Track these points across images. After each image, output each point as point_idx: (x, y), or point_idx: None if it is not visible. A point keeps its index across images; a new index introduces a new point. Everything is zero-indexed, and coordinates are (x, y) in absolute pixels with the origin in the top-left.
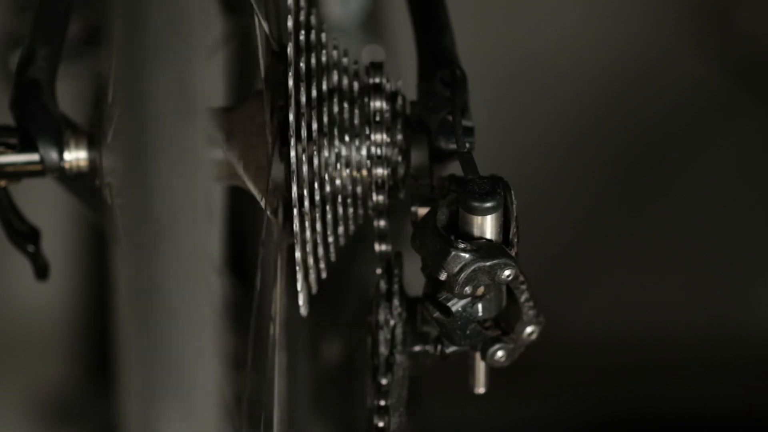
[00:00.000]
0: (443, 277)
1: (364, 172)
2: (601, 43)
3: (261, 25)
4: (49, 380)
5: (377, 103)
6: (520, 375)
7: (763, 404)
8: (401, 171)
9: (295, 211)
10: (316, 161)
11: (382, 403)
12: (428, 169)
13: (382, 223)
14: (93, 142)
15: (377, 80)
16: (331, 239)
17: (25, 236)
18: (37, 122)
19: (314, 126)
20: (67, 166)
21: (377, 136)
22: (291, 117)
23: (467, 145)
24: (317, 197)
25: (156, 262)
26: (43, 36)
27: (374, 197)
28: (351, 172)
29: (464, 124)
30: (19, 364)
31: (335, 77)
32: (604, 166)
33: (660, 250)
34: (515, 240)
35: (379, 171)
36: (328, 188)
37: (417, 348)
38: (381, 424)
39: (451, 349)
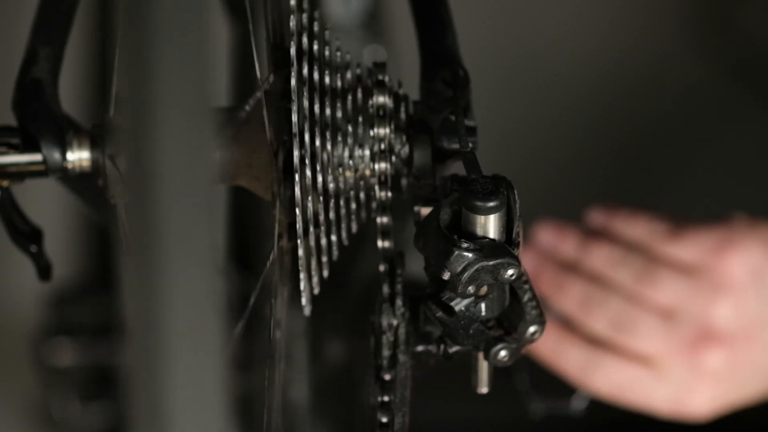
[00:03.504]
0: (446, 276)
1: (367, 172)
2: (601, 44)
3: (261, 29)
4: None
5: (380, 101)
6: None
7: (762, 405)
8: (404, 169)
9: (299, 211)
10: (319, 161)
11: (386, 399)
12: (431, 168)
13: (386, 219)
14: (96, 142)
15: (380, 80)
16: (334, 239)
17: (28, 236)
18: (39, 122)
19: (317, 127)
20: (69, 166)
21: (380, 134)
22: (294, 118)
23: (470, 144)
24: (321, 197)
25: (160, 263)
26: (44, 36)
27: (377, 195)
28: (354, 171)
29: (467, 123)
30: (19, 364)
31: (337, 77)
32: (606, 166)
33: None
34: (518, 239)
35: (382, 169)
36: (331, 188)
37: (420, 348)
38: (384, 419)
39: (454, 348)
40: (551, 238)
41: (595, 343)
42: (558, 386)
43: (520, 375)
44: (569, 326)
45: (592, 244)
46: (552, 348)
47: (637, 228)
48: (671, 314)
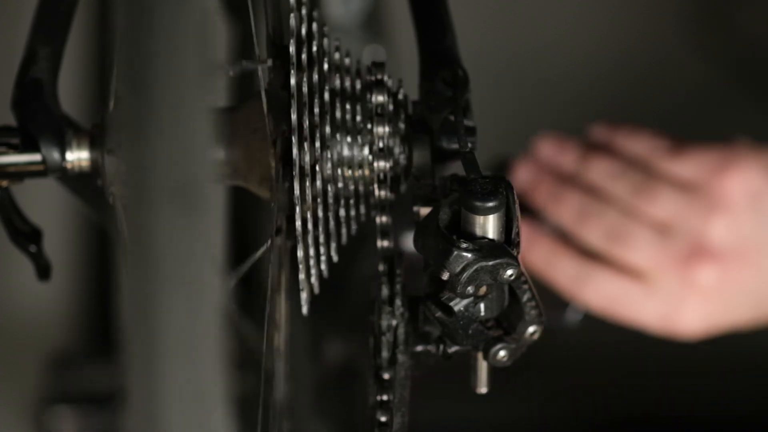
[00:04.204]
0: (445, 276)
1: (367, 172)
2: (601, 44)
3: (262, 26)
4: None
5: (379, 98)
6: (521, 375)
7: (756, 407)
8: (403, 165)
9: (298, 210)
10: (318, 161)
11: (385, 399)
12: (430, 168)
13: (385, 219)
14: (95, 142)
15: (379, 77)
16: (333, 239)
17: (27, 236)
18: (39, 122)
19: (317, 127)
20: (69, 166)
21: (379, 130)
22: (293, 118)
23: (469, 144)
24: (320, 197)
25: (158, 263)
26: (44, 36)
27: (377, 194)
28: (353, 171)
29: (466, 123)
30: (19, 364)
31: (337, 78)
32: None
33: None
34: (517, 240)
35: (381, 165)
36: (330, 188)
37: (419, 348)
38: (383, 419)
39: (453, 348)
40: (551, 150)
41: (589, 256)
42: (552, 301)
43: None
44: (564, 239)
45: (592, 157)
46: (545, 259)
47: (638, 143)
48: (666, 229)
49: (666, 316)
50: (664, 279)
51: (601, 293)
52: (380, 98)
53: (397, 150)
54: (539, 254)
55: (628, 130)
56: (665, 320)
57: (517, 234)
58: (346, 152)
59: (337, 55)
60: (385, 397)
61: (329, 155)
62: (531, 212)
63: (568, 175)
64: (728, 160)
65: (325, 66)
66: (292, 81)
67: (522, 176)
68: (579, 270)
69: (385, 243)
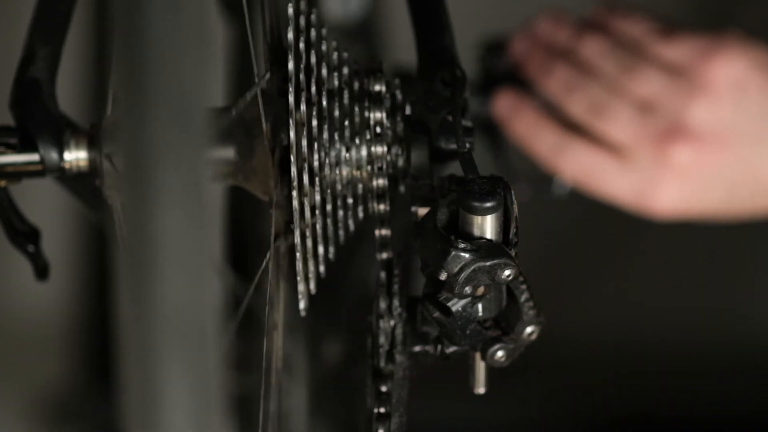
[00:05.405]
0: (443, 276)
1: (364, 173)
2: None
3: (260, 26)
4: (49, 380)
5: (376, 88)
6: (520, 375)
7: (756, 406)
8: (401, 161)
9: (295, 210)
10: (316, 161)
11: (383, 399)
12: (428, 168)
13: (383, 207)
14: (93, 142)
15: (376, 70)
16: (330, 239)
17: (26, 236)
18: (37, 122)
19: (314, 126)
20: (67, 166)
21: (376, 115)
22: (291, 118)
23: (467, 145)
24: (317, 197)
25: (156, 263)
26: (42, 36)
27: (374, 182)
28: (351, 171)
29: (464, 124)
30: (19, 364)
31: (334, 76)
32: None
33: (659, 252)
34: (515, 240)
35: (379, 151)
36: (328, 188)
37: (417, 348)
38: (381, 420)
39: (451, 349)
40: (548, 26)
41: (571, 129)
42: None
43: (502, 159)
44: (549, 111)
45: (586, 35)
46: (528, 129)
47: (631, 25)
48: (648, 107)
49: (640, 192)
50: (641, 155)
51: (578, 164)
52: (377, 87)
53: (395, 150)
54: (522, 123)
55: (624, 11)
56: (639, 196)
57: (515, 234)
58: (344, 152)
59: (335, 55)
60: (383, 398)
61: (327, 156)
62: (522, 84)
63: (561, 50)
64: (716, 47)
65: (323, 67)
66: (290, 88)
67: (517, 48)
68: (558, 140)
69: (383, 232)
